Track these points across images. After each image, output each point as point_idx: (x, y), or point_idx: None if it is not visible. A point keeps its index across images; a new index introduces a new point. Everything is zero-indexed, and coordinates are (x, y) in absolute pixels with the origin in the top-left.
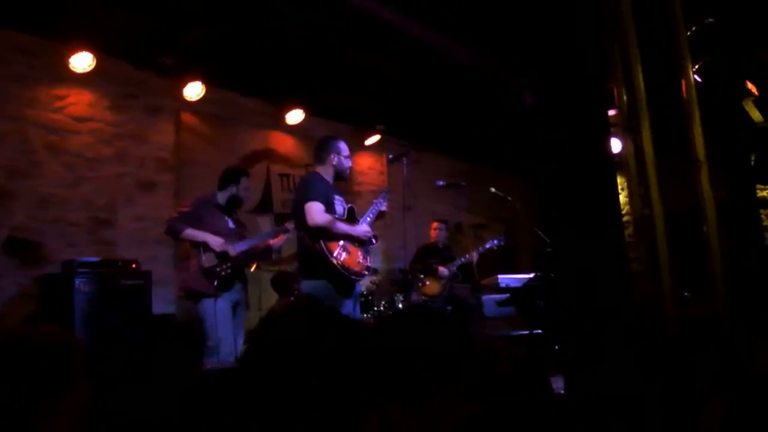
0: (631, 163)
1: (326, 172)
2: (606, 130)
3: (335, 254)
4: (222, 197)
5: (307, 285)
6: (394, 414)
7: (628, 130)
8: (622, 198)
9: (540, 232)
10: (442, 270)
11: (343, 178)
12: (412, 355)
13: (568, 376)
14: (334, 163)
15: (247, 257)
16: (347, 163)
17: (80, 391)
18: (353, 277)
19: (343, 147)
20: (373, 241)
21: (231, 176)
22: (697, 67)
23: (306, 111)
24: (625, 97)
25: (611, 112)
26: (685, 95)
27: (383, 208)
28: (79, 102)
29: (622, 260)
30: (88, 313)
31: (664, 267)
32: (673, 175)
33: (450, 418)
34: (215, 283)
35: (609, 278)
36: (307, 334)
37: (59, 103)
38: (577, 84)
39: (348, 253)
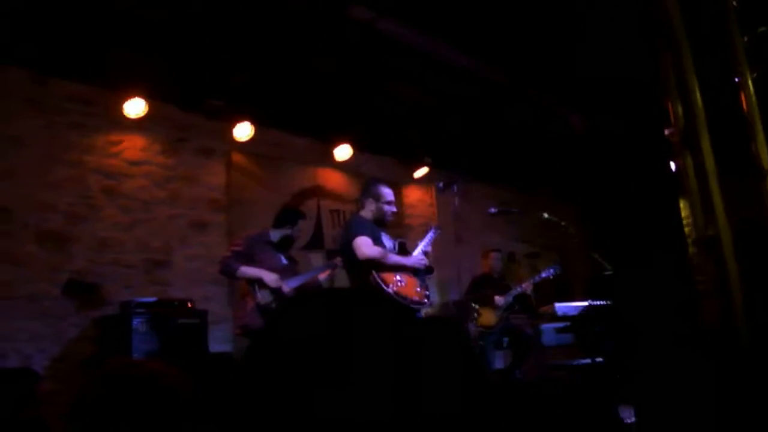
0: (692, 182)
1: (366, 216)
2: (664, 148)
3: (390, 285)
4: (275, 235)
5: None
6: None
7: (687, 147)
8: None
9: (597, 257)
10: (498, 299)
11: (383, 224)
12: None
13: (637, 405)
14: (372, 209)
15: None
16: (389, 209)
17: None
18: (413, 306)
19: (385, 192)
20: (430, 268)
21: (289, 217)
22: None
23: (353, 146)
24: (680, 112)
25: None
26: (745, 107)
27: (429, 248)
28: (132, 147)
29: (687, 282)
30: (146, 352)
31: (735, 286)
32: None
33: None
34: None
35: (675, 301)
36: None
37: (114, 149)
38: (629, 103)
39: (404, 283)
